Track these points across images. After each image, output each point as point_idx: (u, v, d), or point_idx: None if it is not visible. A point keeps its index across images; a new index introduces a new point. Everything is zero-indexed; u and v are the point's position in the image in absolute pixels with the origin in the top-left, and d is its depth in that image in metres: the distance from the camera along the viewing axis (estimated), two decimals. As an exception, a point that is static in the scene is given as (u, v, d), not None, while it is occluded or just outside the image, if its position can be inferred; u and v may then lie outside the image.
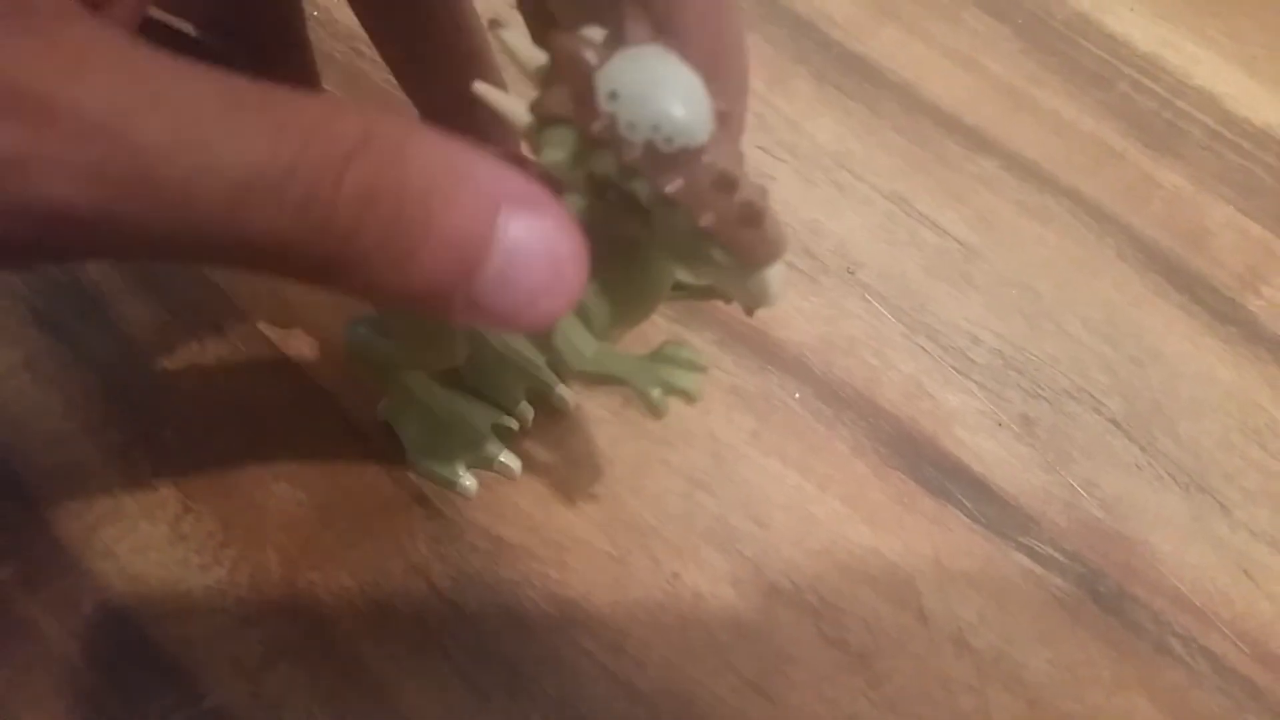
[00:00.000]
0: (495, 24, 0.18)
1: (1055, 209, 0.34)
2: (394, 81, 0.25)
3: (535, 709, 0.25)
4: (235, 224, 0.13)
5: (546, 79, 0.17)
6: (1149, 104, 0.37)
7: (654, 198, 0.17)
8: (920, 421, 0.30)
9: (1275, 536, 0.29)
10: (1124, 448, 0.30)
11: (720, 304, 0.31)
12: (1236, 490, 0.29)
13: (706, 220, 0.17)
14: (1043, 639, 0.26)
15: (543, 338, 0.21)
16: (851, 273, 0.32)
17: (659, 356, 0.21)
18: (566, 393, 0.28)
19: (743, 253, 0.17)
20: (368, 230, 0.14)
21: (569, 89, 0.17)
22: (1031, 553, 0.28)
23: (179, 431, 0.27)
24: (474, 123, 0.19)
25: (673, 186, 0.17)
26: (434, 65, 0.25)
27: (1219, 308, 0.33)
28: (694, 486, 0.28)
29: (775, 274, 0.18)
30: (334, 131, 0.14)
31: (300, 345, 0.29)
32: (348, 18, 0.36)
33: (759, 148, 0.34)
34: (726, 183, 0.17)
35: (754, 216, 0.17)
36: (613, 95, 0.16)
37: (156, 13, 0.20)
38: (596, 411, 0.29)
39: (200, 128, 0.13)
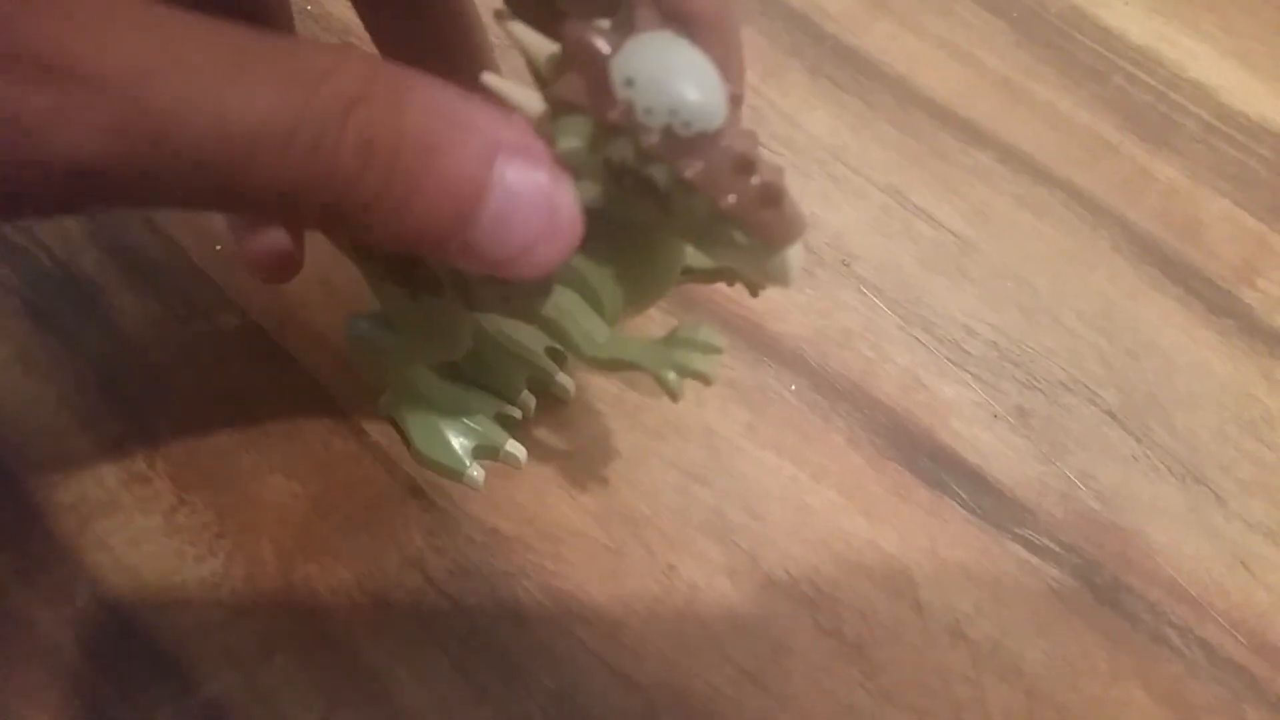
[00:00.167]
0: (502, 15, 0.18)
1: (1051, 202, 0.34)
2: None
3: (531, 700, 0.24)
4: (246, 174, 0.14)
5: (558, 68, 0.17)
6: (1144, 97, 0.37)
7: (673, 182, 0.17)
8: (916, 413, 0.30)
9: (1270, 527, 0.29)
10: (1120, 439, 0.30)
11: (715, 296, 0.31)
12: (1232, 481, 0.29)
13: (727, 203, 0.17)
14: (1039, 630, 0.26)
15: (554, 325, 0.21)
16: (847, 265, 0.32)
17: (674, 340, 0.21)
18: (567, 380, 0.28)
19: (763, 234, 0.17)
20: (369, 177, 0.14)
21: (583, 77, 0.17)
22: (1027, 544, 0.28)
23: (173, 424, 0.27)
24: None
25: (692, 170, 0.17)
26: (431, 59, 0.25)
27: (1214, 300, 0.33)
28: (690, 479, 0.28)
29: (794, 254, 0.18)
30: (335, 82, 0.14)
31: (295, 337, 0.29)
32: (340, 10, 0.36)
33: (754, 141, 0.34)
34: (745, 165, 0.17)
35: (775, 197, 0.17)
36: (629, 82, 0.16)
37: None
38: (592, 404, 0.29)
39: (214, 83, 0.13)
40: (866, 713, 0.25)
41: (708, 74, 0.16)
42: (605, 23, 0.17)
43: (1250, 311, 0.33)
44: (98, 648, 0.24)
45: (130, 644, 0.24)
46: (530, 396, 0.28)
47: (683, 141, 0.16)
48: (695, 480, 0.28)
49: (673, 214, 0.18)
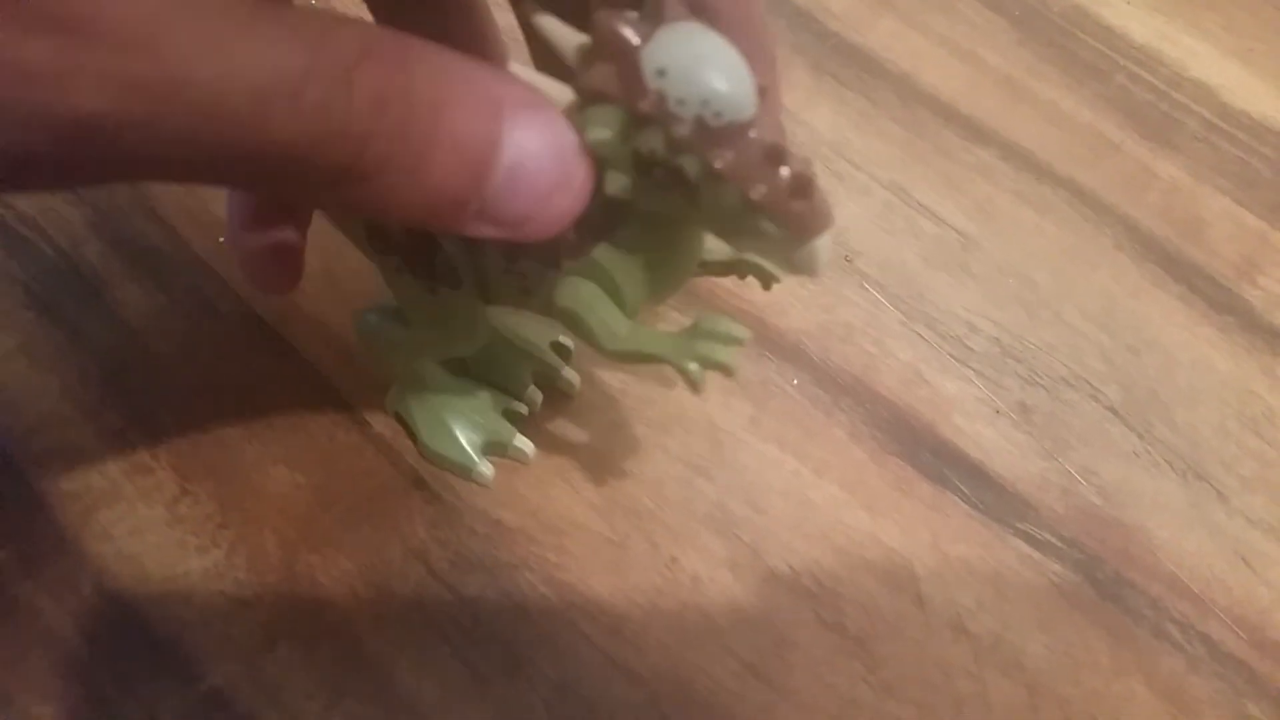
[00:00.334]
0: (529, 6, 0.18)
1: (1053, 199, 0.34)
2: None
3: (533, 692, 0.24)
4: (258, 128, 0.13)
5: (588, 58, 0.17)
6: (1146, 96, 0.37)
7: (704, 173, 0.17)
8: (918, 409, 0.30)
9: (1271, 523, 0.29)
10: (1121, 435, 0.30)
11: (718, 291, 0.31)
12: (1233, 478, 0.29)
13: (758, 193, 0.17)
14: (1041, 625, 0.27)
15: (574, 318, 0.21)
16: (850, 261, 0.32)
17: (696, 331, 0.21)
18: (572, 375, 0.28)
19: (794, 224, 0.17)
20: (381, 134, 0.14)
21: (614, 67, 0.17)
22: (1029, 539, 0.28)
23: (176, 414, 0.27)
24: None
25: (723, 161, 0.17)
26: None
27: (1216, 297, 0.33)
28: (693, 472, 0.28)
29: (823, 244, 0.18)
30: (339, 41, 0.14)
31: (298, 328, 0.29)
32: (344, 3, 0.36)
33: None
34: (776, 155, 0.17)
35: (805, 187, 0.17)
36: (660, 72, 0.16)
37: None
38: (595, 398, 0.29)
39: (224, 35, 0.13)
40: (868, 706, 0.25)
41: (737, 65, 0.16)
42: (633, 14, 0.17)
43: (1251, 309, 0.33)
44: (100, 638, 0.24)
45: (133, 634, 0.24)
46: (537, 392, 0.28)
47: (713, 132, 0.16)
48: (698, 474, 0.28)
49: (701, 205, 0.18)
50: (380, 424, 0.28)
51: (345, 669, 0.24)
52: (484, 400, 0.27)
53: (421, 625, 0.25)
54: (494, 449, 0.27)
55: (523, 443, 0.27)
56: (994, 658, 0.26)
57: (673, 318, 0.30)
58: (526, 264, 0.21)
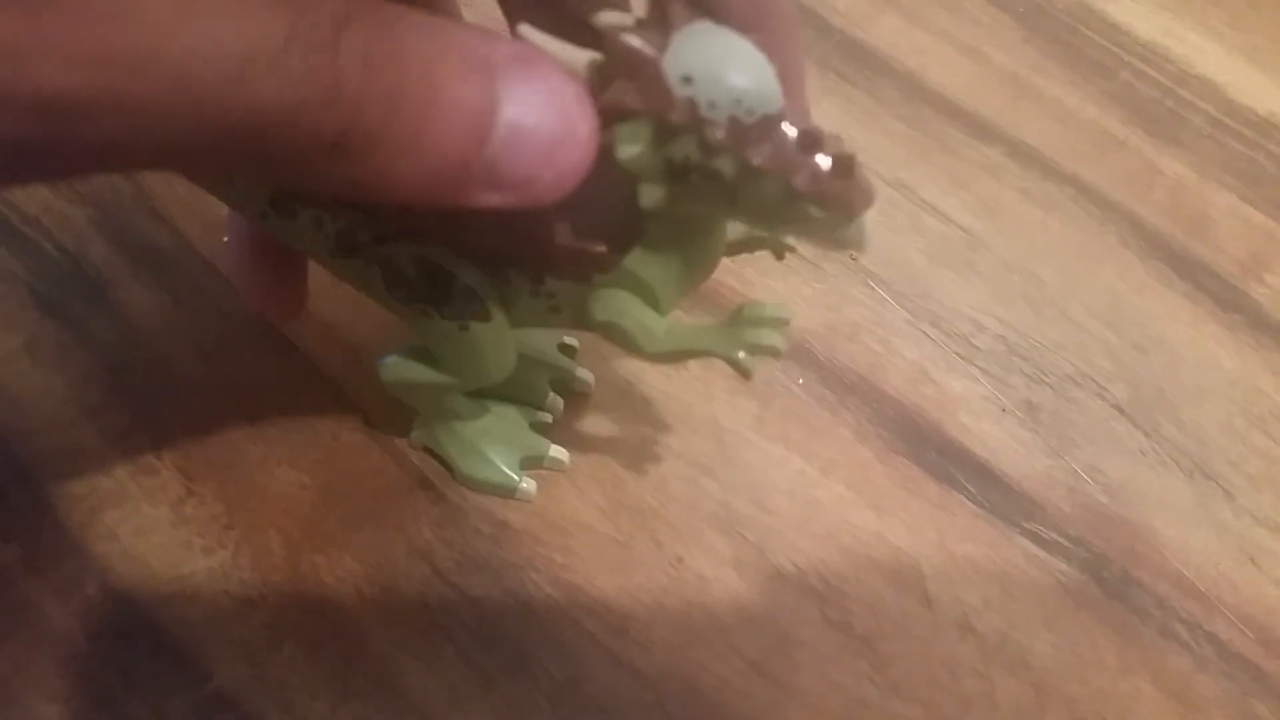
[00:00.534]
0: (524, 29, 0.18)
1: (1058, 196, 0.34)
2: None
3: (539, 691, 0.24)
4: (241, 99, 0.13)
5: (603, 77, 0.17)
6: (1151, 92, 0.37)
7: (742, 171, 0.17)
8: (924, 407, 0.30)
9: (1279, 522, 0.29)
10: (1128, 433, 0.30)
11: (720, 289, 0.31)
12: (1240, 476, 0.29)
13: (801, 180, 0.17)
14: (1047, 624, 0.26)
15: (612, 328, 0.20)
16: (855, 259, 0.32)
17: (739, 319, 0.21)
18: (586, 374, 0.28)
19: (838, 205, 0.17)
20: (374, 100, 0.13)
21: (636, 82, 0.16)
22: (1036, 538, 0.28)
23: (181, 414, 0.27)
24: None
25: (760, 156, 0.16)
26: None
27: (1222, 295, 0.33)
28: (698, 471, 0.28)
29: (868, 218, 0.18)
30: (319, 4, 0.13)
31: (302, 328, 0.29)
32: None
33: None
34: (813, 141, 0.17)
35: (847, 167, 0.17)
36: (687, 80, 0.16)
37: None
38: (600, 398, 0.29)
39: (198, 2, 0.12)
40: (875, 705, 0.25)
41: (756, 58, 0.16)
42: (627, 18, 0.17)
43: (1258, 307, 0.33)
44: (106, 638, 0.24)
45: (139, 635, 0.24)
46: (557, 398, 0.28)
47: (748, 129, 0.16)
48: (703, 473, 0.28)
49: (739, 201, 0.17)
50: (386, 423, 0.28)
51: (351, 669, 0.24)
52: (511, 418, 0.27)
53: (427, 625, 0.25)
54: (531, 463, 0.27)
55: (558, 451, 0.27)
56: (1001, 657, 0.26)
57: (673, 316, 0.30)
58: (555, 284, 0.21)
